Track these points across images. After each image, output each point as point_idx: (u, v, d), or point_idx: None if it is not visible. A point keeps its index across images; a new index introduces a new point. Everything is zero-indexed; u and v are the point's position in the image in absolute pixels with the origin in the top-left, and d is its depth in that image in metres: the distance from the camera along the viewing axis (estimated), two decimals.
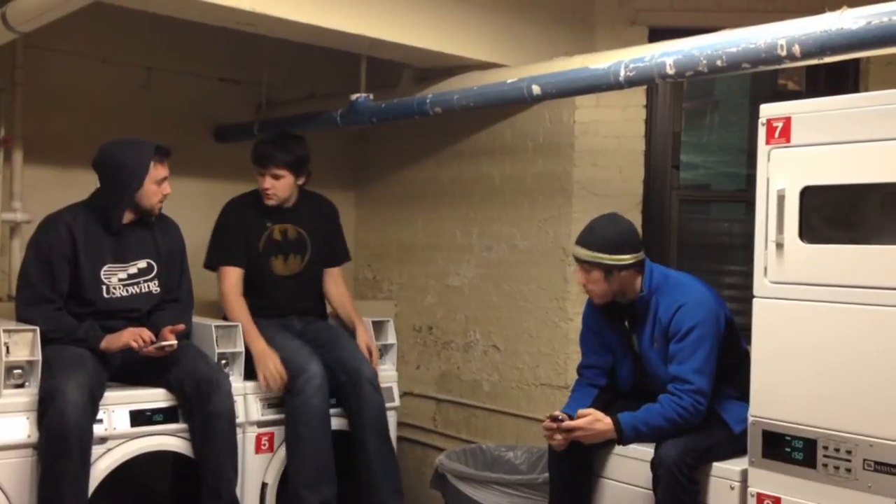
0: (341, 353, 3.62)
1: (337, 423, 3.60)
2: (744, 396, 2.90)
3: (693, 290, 3.01)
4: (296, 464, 3.40)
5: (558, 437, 2.96)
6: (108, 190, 3.28)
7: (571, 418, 2.97)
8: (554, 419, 2.96)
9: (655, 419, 2.90)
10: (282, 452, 3.48)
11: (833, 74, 3.83)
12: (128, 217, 3.33)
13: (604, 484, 3.13)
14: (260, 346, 3.50)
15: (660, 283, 3.03)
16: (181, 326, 3.25)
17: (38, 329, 3.05)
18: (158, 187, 3.31)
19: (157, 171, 3.29)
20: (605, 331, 3.19)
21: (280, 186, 3.69)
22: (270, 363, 3.44)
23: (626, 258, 2.97)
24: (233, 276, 3.68)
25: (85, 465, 2.95)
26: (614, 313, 3.12)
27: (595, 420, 2.93)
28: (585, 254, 2.98)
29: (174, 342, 3.18)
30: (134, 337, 3.14)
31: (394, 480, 3.55)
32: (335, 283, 3.92)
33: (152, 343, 3.16)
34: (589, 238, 3.01)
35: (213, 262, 3.75)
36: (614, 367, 3.21)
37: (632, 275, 3.01)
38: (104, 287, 3.27)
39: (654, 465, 2.85)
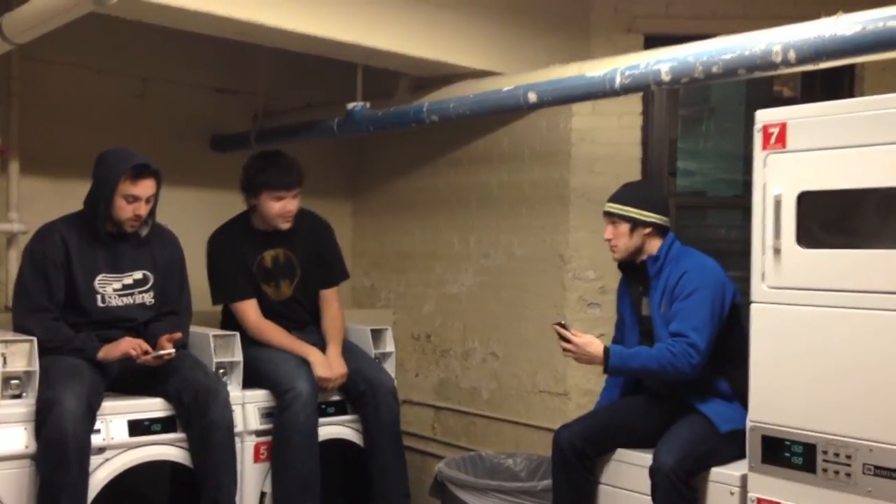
0: (359, 364, 3.67)
1: (336, 431, 3.61)
2: (736, 394, 2.95)
3: (702, 260, 3.15)
4: (280, 479, 3.40)
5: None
6: (90, 197, 3.28)
7: (567, 329, 3.06)
8: (559, 325, 3.09)
9: (645, 357, 3.00)
10: None
11: (828, 80, 3.85)
12: (112, 227, 3.29)
13: (604, 490, 3.14)
14: (315, 354, 3.57)
15: (676, 254, 3.16)
16: (178, 335, 3.24)
17: (35, 339, 3.05)
18: (128, 204, 3.21)
19: (127, 187, 3.19)
20: (623, 300, 3.35)
21: (296, 207, 3.64)
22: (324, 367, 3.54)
23: (651, 216, 3.15)
24: (252, 309, 3.65)
25: (83, 475, 2.94)
26: (633, 278, 3.28)
27: (589, 343, 3.02)
28: (616, 207, 3.19)
29: (172, 351, 3.17)
30: (133, 346, 3.14)
31: (404, 486, 3.62)
32: (327, 305, 3.82)
33: (148, 353, 3.15)
34: (620, 194, 3.23)
35: (225, 300, 3.71)
36: (623, 341, 3.30)
37: (653, 235, 3.17)
38: (98, 296, 3.26)
39: (652, 471, 2.86)
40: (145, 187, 3.23)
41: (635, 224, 3.15)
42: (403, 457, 3.66)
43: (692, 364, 2.94)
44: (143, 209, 3.25)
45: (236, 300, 3.67)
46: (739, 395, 2.94)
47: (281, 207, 3.60)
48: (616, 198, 3.23)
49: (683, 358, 2.93)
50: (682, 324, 3.00)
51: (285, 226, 3.64)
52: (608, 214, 3.21)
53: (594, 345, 3.01)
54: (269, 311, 3.70)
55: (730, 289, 3.09)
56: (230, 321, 3.74)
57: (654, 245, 3.17)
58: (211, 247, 3.74)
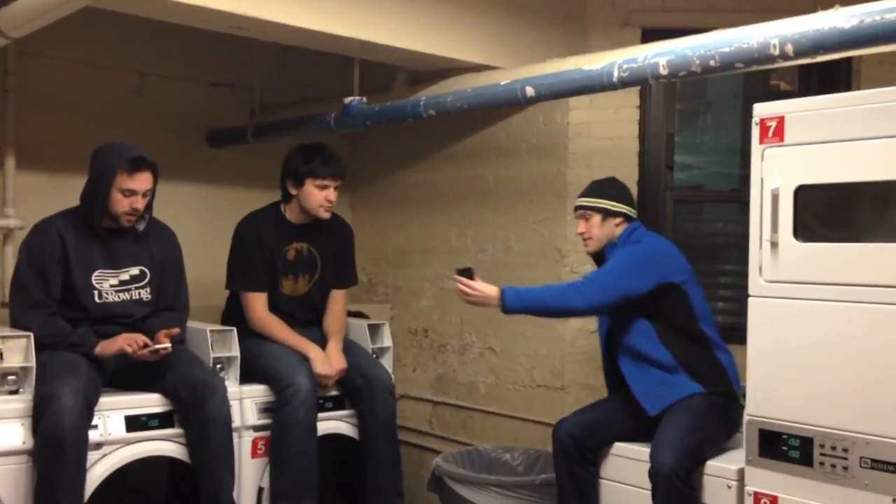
0: (356, 359, 3.68)
1: (333, 426, 3.62)
2: (681, 365, 3.06)
3: (652, 238, 3.28)
4: (278, 474, 3.40)
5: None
6: (87, 192, 3.27)
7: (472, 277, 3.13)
8: (462, 270, 3.15)
9: (541, 292, 3.12)
10: None
11: (825, 74, 3.85)
12: (109, 223, 3.28)
13: (605, 485, 3.15)
14: (315, 351, 3.57)
15: (636, 238, 3.26)
16: (176, 330, 3.23)
17: (31, 335, 3.04)
18: (125, 198, 3.20)
19: (124, 180, 3.18)
20: None
21: (336, 198, 3.66)
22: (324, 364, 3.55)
23: (620, 206, 3.27)
24: (261, 303, 3.65)
25: (80, 471, 2.93)
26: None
27: (486, 287, 3.09)
28: (586, 200, 3.31)
29: (168, 345, 3.16)
30: (129, 342, 3.13)
31: (398, 483, 3.62)
32: (334, 303, 3.82)
33: (146, 347, 3.15)
34: (589, 189, 3.37)
35: (239, 286, 3.69)
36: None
37: (622, 225, 3.28)
38: (95, 292, 3.25)
39: (652, 474, 2.86)
40: (142, 181, 3.22)
41: (606, 214, 3.26)
42: (398, 454, 3.66)
43: (584, 295, 3.03)
44: (139, 203, 3.24)
45: (249, 290, 3.66)
46: (686, 366, 3.05)
47: (324, 197, 3.62)
48: (585, 193, 3.34)
49: (577, 288, 3.05)
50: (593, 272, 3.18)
51: (326, 215, 3.66)
52: (579, 209, 3.32)
53: (490, 287, 3.09)
54: (278, 307, 3.69)
55: (669, 263, 3.17)
56: (235, 309, 3.73)
57: (619, 235, 3.28)
58: (238, 232, 3.73)
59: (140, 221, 3.34)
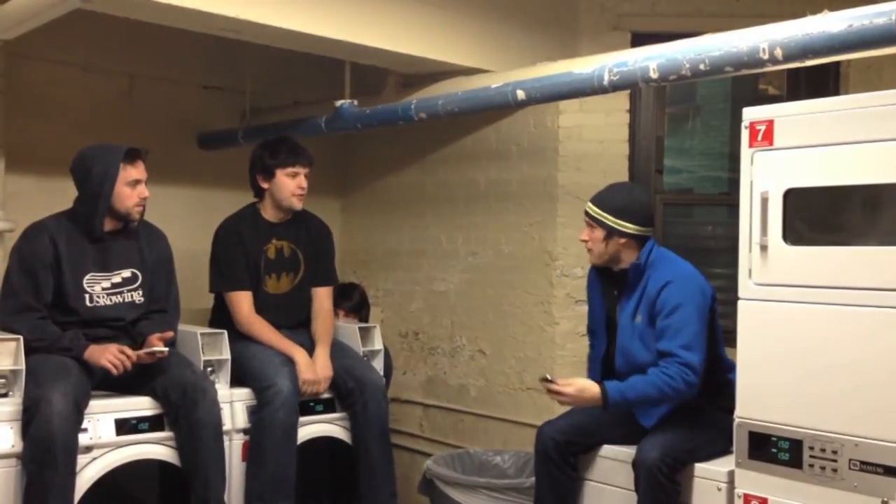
0: (347, 362, 3.67)
1: (327, 429, 3.61)
2: (720, 404, 2.93)
3: (682, 269, 3.04)
4: (254, 475, 3.39)
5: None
6: (83, 196, 3.26)
7: (554, 382, 2.97)
8: (544, 380, 2.99)
9: (642, 385, 2.90)
10: None
11: (813, 78, 3.87)
12: (110, 224, 3.29)
13: (588, 486, 3.15)
14: (301, 355, 3.57)
15: (656, 259, 3.05)
16: (170, 333, 3.23)
17: (21, 338, 3.03)
18: (132, 190, 3.24)
19: (128, 172, 3.22)
20: (595, 299, 3.26)
21: (307, 186, 3.70)
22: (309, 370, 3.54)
23: (629, 227, 3.03)
24: (246, 302, 3.66)
25: (70, 474, 2.92)
26: (608, 281, 3.19)
27: (583, 389, 2.94)
28: (594, 211, 3.08)
29: (165, 349, 3.16)
30: (114, 362, 3.09)
31: (391, 485, 3.62)
32: (321, 304, 3.82)
33: (142, 348, 3.14)
34: (602, 197, 3.12)
35: (222, 288, 3.70)
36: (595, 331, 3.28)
37: (630, 245, 3.06)
38: (87, 296, 3.24)
39: (635, 465, 2.88)
40: (143, 169, 3.28)
41: (611, 232, 3.04)
42: (391, 455, 3.66)
43: (689, 383, 2.86)
44: (145, 191, 3.27)
45: (234, 289, 3.66)
46: (725, 406, 2.89)
47: (296, 185, 3.67)
48: (597, 200, 3.11)
49: (680, 379, 2.85)
50: (670, 342, 2.90)
51: (298, 205, 3.70)
52: (587, 215, 3.11)
53: (589, 390, 2.93)
54: (264, 306, 3.69)
55: (709, 292, 3.02)
56: (222, 312, 3.72)
57: (631, 255, 3.06)
58: (218, 235, 3.75)
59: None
